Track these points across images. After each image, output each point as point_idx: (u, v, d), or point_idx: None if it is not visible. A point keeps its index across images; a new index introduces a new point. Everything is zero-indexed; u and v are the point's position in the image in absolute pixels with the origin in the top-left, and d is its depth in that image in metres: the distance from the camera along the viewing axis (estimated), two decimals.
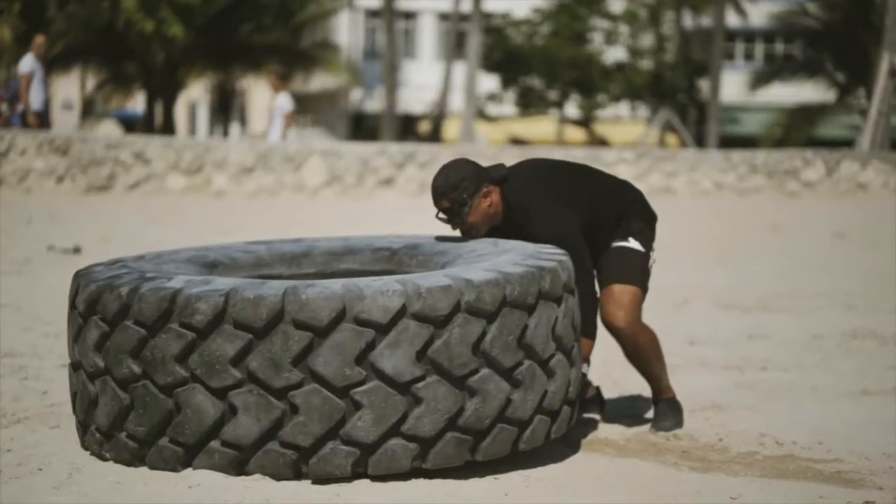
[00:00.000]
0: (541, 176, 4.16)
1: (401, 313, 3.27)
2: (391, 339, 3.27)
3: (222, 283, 3.34)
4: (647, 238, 4.27)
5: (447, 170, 4.01)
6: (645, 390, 4.82)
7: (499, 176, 4.07)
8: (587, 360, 4.03)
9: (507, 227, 4.10)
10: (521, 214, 4.04)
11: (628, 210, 4.24)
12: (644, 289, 4.24)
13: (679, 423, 4.36)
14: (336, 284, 3.29)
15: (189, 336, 3.26)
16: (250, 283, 3.32)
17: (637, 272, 4.19)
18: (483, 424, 3.42)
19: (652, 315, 7.13)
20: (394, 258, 4.13)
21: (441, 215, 4.04)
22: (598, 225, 4.17)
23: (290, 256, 4.18)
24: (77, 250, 9.20)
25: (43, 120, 14.36)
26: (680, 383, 5.00)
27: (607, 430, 4.37)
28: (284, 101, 14.87)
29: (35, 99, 14.28)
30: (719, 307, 7.62)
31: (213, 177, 14.03)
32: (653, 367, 4.33)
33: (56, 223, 11.23)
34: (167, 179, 13.90)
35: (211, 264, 3.96)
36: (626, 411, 4.69)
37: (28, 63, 14.11)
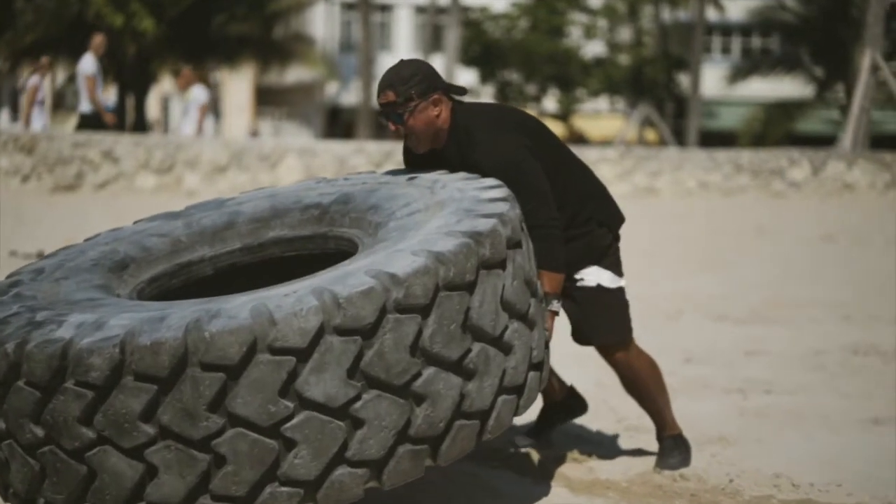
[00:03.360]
0: (503, 110, 3.73)
1: (320, 333, 2.88)
2: (315, 362, 2.89)
3: (116, 323, 2.95)
4: (617, 256, 3.84)
5: (402, 64, 3.58)
6: (646, 419, 4.50)
7: (455, 91, 3.63)
8: (556, 296, 3.55)
9: (450, 155, 3.65)
10: (467, 139, 3.56)
11: (591, 205, 3.77)
12: (630, 328, 3.88)
13: (686, 461, 4.04)
14: (243, 310, 2.89)
15: (88, 395, 2.89)
16: (149, 319, 2.93)
17: (620, 322, 3.83)
18: (438, 429, 3.06)
19: (644, 329, 6.85)
20: (325, 217, 3.67)
21: (383, 111, 3.60)
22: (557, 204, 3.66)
23: (212, 231, 3.74)
24: (41, 255, 8.87)
25: (101, 119, 14.10)
26: (681, 409, 4.71)
27: (608, 470, 4.05)
28: (199, 93, 14.70)
29: (103, 98, 14.05)
30: (712, 319, 7.38)
31: (185, 176, 13.64)
32: (654, 398, 3.99)
33: (20, 225, 10.90)
34: (137, 179, 13.50)
35: (121, 264, 3.54)
36: (627, 444, 4.38)
37: (90, 63, 13.83)
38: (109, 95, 14.21)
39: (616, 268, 3.82)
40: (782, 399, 5.19)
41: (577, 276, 3.77)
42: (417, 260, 3.02)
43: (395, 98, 3.54)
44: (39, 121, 14.33)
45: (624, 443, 4.41)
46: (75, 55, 25.30)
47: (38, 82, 14.08)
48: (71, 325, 2.98)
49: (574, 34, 33.36)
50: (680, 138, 28.95)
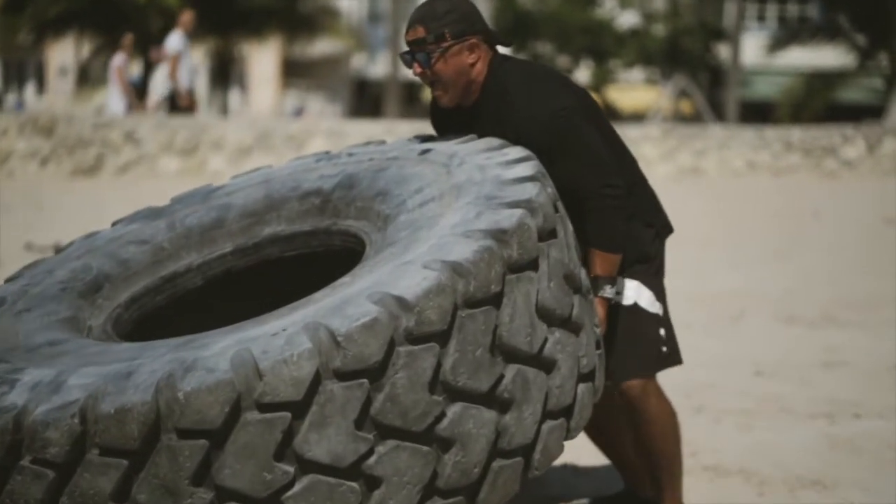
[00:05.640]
0: (548, 68, 3.12)
1: (317, 380, 2.36)
2: (315, 416, 2.37)
3: (76, 384, 2.44)
4: (660, 273, 3.19)
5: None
6: (724, 456, 3.94)
7: (496, 40, 3.03)
8: (609, 280, 3.01)
9: (483, 113, 3.04)
10: (505, 95, 2.99)
11: (637, 201, 3.13)
12: (660, 365, 3.19)
13: None
14: (222, 360, 2.37)
15: (48, 475, 2.40)
16: (114, 377, 2.42)
17: (652, 356, 3.14)
18: (472, 475, 2.53)
19: (706, 334, 6.31)
20: (327, 207, 3.10)
21: (407, 49, 3.00)
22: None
23: (199, 231, 3.18)
24: (57, 248, 8.48)
25: (192, 99, 13.73)
26: (763, 441, 4.23)
27: None
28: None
29: (184, 78, 13.65)
30: (780, 321, 6.83)
31: (210, 158, 13.17)
32: (664, 455, 3.20)
33: (37, 212, 10.55)
34: (159, 161, 13.03)
35: (94, 285, 3.00)
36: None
37: (176, 41, 13.46)
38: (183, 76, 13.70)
39: (657, 287, 3.17)
40: (875, 426, 4.63)
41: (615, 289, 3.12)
42: (430, 276, 2.48)
43: (424, 34, 2.96)
44: (121, 102, 13.90)
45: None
46: (101, 29, 25.11)
47: (123, 62, 13.63)
48: (25, 386, 2.47)
49: (608, 4, 32.63)
50: (716, 109, 28.25)
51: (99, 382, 2.40)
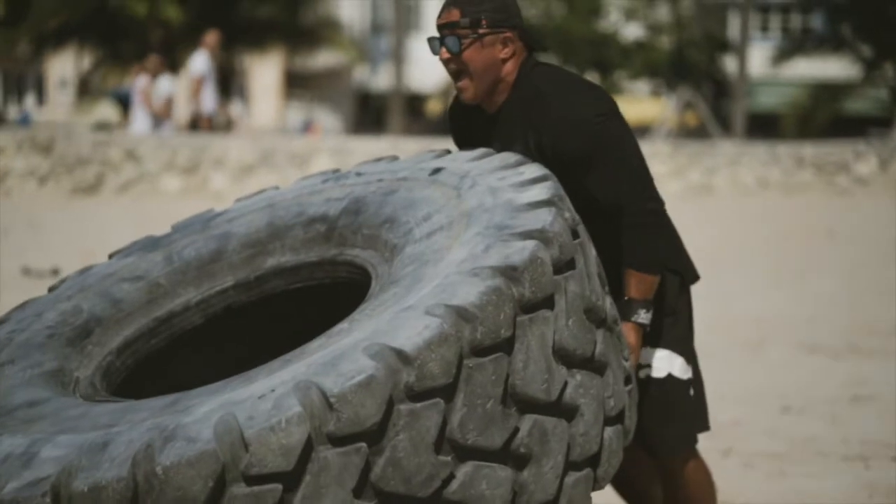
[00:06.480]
0: (582, 77, 2.90)
1: (309, 447, 2.16)
2: (308, 487, 2.17)
3: (49, 456, 2.25)
4: (690, 327, 2.93)
5: None
6: None
7: (534, 43, 2.83)
8: (644, 304, 2.76)
9: (509, 118, 2.80)
10: (537, 99, 2.76)
11: (653, 221, 2.82)
12: (699, 431, 2.97)
13: None
14: (205, 427, 2.17)
15: None
16: (89, 448, 2.23)
17: (692, 426, 2.91)
18: None
19: (728, 365, 6.10)
20: (333, 235, 2.88)
21: (437, 34, 2.78)
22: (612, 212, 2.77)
23: (197, 265, 2.97)
24: (55, 272, 8.38)
25: (212, 124, 13.55)
26: (797, 488, 4.00)
27: None
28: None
29: (208, 101, 13.45)
30: (803, 349, 6.64)
31: (212, 177, 12.97)
32: None
33: (35, 234, 10.41)
34: (161, 180, 12.84)
35: (83, 330, 2.80)
36: None
37: (201, 63, 13.27)
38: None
39: (688, 347, 2.92)
40: None
41: (642, 361, 2.87)
42: (432, 324, 2.26)
43: (459, 17, 2.74)
44: (145, 122, 13.65)
45: None
46: (102, 41, 25.05)
47: (148, 84, 13.38)
48: None
49: (612, 17, 32.52)
50: (720, 121, 28.10)
51: (73, 455, 2.21)
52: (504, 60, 2.76)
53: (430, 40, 2.80)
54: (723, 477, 4.03)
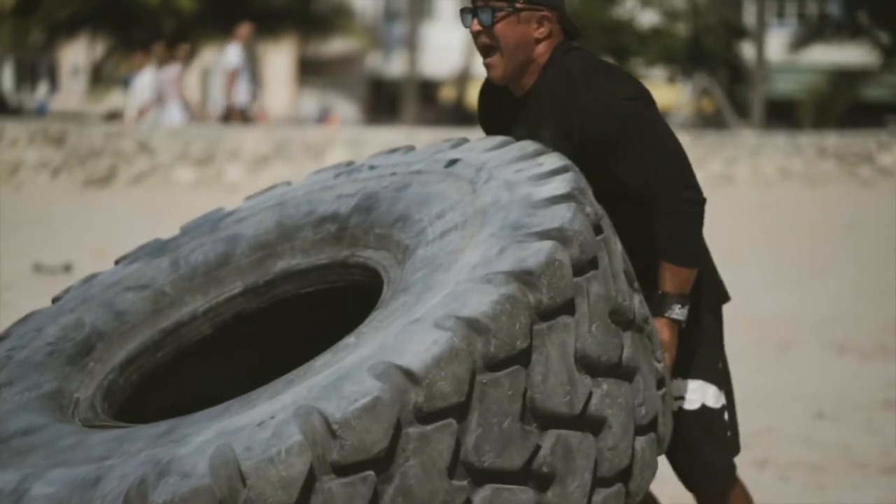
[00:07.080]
0: (617, 66, 2.77)
1: (312, 478, 2.02)
2: None
3: (39, 494, 2.11)
4: (720, 350, 2.74)
5: None
6: None
7: (571, 27, 2.68)
8: (680, 299, 2.58)
9: (539, 102, 2.66)
10: (568, 82, 2.60)
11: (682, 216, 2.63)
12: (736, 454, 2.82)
13: None
14: (200, 460, 2.04)
15: None
16: (80, 485, 2.10)
17: (730, 453, 2.75)
18: None
19: (756, 366, 5.94)
20: (344, 235, 2.74)
21: (470, 6, 2.64)
22: (646, 201, 2.60)
23: (205, 270, 2.83)
24: (67, 268, 8.29)
25: (246, 117, 13.41)
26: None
27: None
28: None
29: (241, 94, 13.34)
30: (832, 350, 6.49)
31: (226, 168, 12.82)
32: None
33: (47, 228, 10.27)
34: (174, 172, 12.71)
35: (85, 346, 2.66)
36: None
37: (234, 56, 13.16)
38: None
39: (719, 371, 2.74)
40: None
41: (674, 393, 2.68)
42: (441, 338, 2.11)
43: None
44: (178, 113, 13.53)
45: None
46: (114, 29, 24.99)
47: (179, 73, 13.26)
48: None
49: (628, 3, 32.30)
50: (737, 107, 27.87)
51: (63, 493, 2.07)
52: (538, 41, 2.60)
53: (463, 11, 2.65)
54: (760, 491, 3.87)
